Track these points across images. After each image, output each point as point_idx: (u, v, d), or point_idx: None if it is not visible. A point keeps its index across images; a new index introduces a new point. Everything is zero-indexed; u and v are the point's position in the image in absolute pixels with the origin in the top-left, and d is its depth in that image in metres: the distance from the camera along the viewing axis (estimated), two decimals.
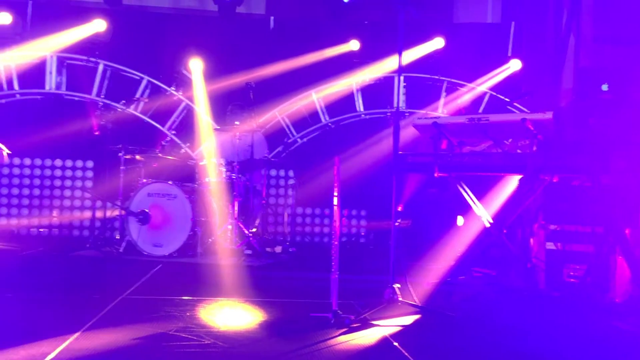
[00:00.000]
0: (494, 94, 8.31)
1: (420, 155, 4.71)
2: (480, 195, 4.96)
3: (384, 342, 3.22)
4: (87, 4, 8.38)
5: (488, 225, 4.75)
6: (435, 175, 4.56)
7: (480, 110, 8.12)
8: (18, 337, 2.94)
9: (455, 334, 3.52)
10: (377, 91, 8.53)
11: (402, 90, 8.48)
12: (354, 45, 8.53)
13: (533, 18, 8.48)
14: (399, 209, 7.74)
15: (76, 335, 3.03)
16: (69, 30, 7.91)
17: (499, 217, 4.89)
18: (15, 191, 7.95)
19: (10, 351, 2.71)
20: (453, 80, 8.41)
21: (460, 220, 6.22)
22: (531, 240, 4.98)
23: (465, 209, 5.13)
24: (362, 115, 8.52)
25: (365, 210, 8.65)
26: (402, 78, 8.41)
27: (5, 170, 7.91)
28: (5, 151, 5.17)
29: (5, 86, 7.73)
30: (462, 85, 8.42)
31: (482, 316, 3.97)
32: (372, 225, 8.59)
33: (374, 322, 3.54)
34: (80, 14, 8.04)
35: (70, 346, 2.85)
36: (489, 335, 3.49)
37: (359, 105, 8.48)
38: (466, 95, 8.41)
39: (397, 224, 7.60)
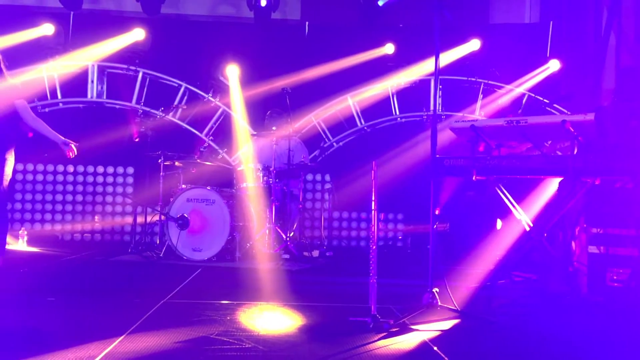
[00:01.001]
0: (533, 95, 8.20)
1: (458, 159, 4.67)
2: (520, 198, 4.90)
3: (424, 347, 3.21)
4: (127, 13, 8.57)
5: (528, 228, 4.68)
6: (473, 178, 4.52)
7: (519, 112, 8.01)
8: (65, 340, 3.03)
9: (496, 339, 3.49)
10: (413, 94, 8.50)
11: (438, 93, 8.44)
12: (388, 48, 8.53)
13: (572, 17, 8.33)
14: (437, 212, 7.71)
15: (121, 338, 3.09)
16: (110, 40, 8.11)
17: (539, 220, 4.81)
18: (59, 197, 8.17)
19: (58, 354, 2.79)
20: (490, 82, 8.33)
21: (499, 223, 6.14)
22: (573, 243, 4.88)
23: (505, 212, 5.07)
24: (398, 119, 8.50)
25: (402, 214, 8.62)
26: (438, 81, 8.37)
27: (50, 177, 8.14)
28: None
29: (49, 95, 7.96)
30: (499, 87, 8.32)
31: (522, 321, 3.92)
32: (409, 229, 8.55)
33: (413, 327, 3.53)
34: (120, 24, 8.24)
35: (115, 349, 2.91)
36: (530, 341, 3.44)
37: (395, 108, 8.46)
38: (504, 97, 8.31)
39: (434, 227, 7.56)
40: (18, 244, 6.90)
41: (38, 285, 4.86)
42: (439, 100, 8.44)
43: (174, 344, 3.09)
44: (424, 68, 8.34)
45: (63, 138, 5.34)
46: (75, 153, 5.47)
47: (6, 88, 5.19)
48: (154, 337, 3.16)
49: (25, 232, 7.05)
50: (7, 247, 5.48)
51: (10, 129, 5.20)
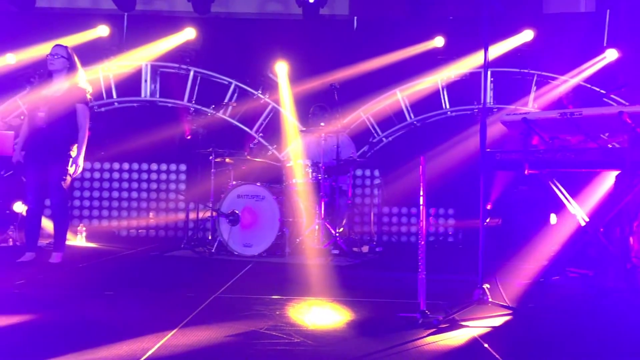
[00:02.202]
0: (589, 86, 7.94)
1: (510, 153, 4.58)
2: (575, 192, 4.77)
3: (474, 343, 3.16)
4: (178, 13, 8.74)
5: (583, 223, 4.56)
6: (526, 172, 4.42)
7: (567, 104, 7.79)
8: (120, 333, 3.12)
9: (549, 337, 3.40)
10: (463, 87, 8.37)
11: (489, 85, 8.28)
12: (438, 41, 8.42)
13: (630, 5, 8.02)
14: (488, 207, 7.59)
15: (173, 331, 3.17)
16: (162, 40, 8.30)
17: (595, 215, 4.68)
18: (115, 194, 8.42)
19: (113, 347, 2.88)
20: (544, 73, 8.12)
21: (553, 218, 5.99)
22: (631, 239, 4.72)
23: (559, 207, 4.94)
24: (448, 113, 8.39)
25: (453, 209, 8.51)
26: (489, 73, 8.22)
27: (106, 175, 8.39)
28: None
29: (104, 95, 8.21)
30: (553, 79, 8.11)
31: (578, 318, 3.82)
32: (460, 224, 8.44)
33: (463, 323, 3.48)
34: (172, 24, 8.42)
35: (168, 342, 2.98)
36: (586, 340, 3.35)
37: (445, 102, 8.35)
38: (558, 88, 8.09)
39: (486, 222, 7.43)
40: (77, 240, 7.14)
41: (96, 279, 5.03)
42: (490, 93, 8.28)
43: (224, 337, 3.14)
44: (474, 60, 8.20)
45: (80, 164, 5.42)
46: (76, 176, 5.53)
47: (73, 89, 5.37)
48: (205, 331, 3.23)
49: (84, 228, 7.29)
50: (67, 242, 5.70)
51: (73, 129, 5.38)
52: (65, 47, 5.43)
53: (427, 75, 8.26)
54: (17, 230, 6.63)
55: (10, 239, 6.57)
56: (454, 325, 3.44)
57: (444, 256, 7.17)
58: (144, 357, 2.73)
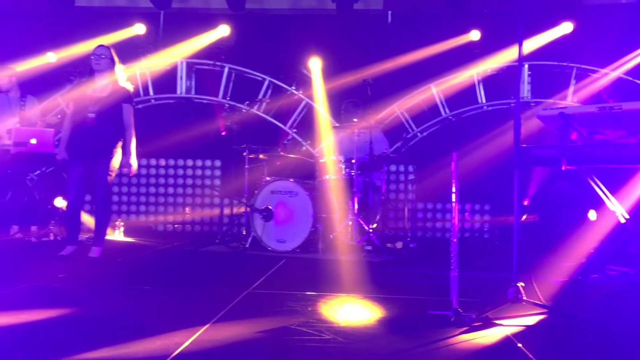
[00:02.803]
0: (630, 79, 7.72)
1: (546, 148, 4.48)
2: (614, 188, 4.64)
3: (507, 343, 3.12)
4: (213, 10, 8.81)
5: (623, 220, 4.44)
6: (563, 168, 4.33)
7: (605, 97, 7.59)
8: (154, 327, 3.17)
9: (586, 337, 3.33)
10: (500, 82, 8.24)
11: (526, 79, 8.13)
12: (474, 35, 8.30)
13: None
14: (525, 203, 7.47)
15: (206, 327, 3.21)
16: (197, 37, 8.39)
17: (635, 211, 4.55)
18: (152, 190, 8.56)
19: (147, 340, 2.93)
20: (583, 66, 7.93)
21: (592, 215, 5.85)
22: None
23: (598, 203, 4.83)
24: (484, 107, 8.27)
25: (489, 205, 8.40)
26: (526, 67, 8.07)
27: (143, 171, 8.53)
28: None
29: (142, 92, 8.34)
30: (593, 72, 7.91)
31: (617, 318, 3.72)
32: (496, 221, 8.32)
33: (497, 322, 3.43)
34: (207, 21, 8.50)
35: (200, 337, 3.02)
36: (625, 340, 3.27)
37: (481, 96, 8.24)
38: (599, 81, 7.89)
39: (522, 219, 7.29)
40: (115, 235, 7.28)
41: (133, 273, 5.12)
42: (527, 87, 8.14)
43: (255, 333, 3.16)
44: (511, 54, 8.05)
45: (134, 163, 5.57)
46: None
47: (119, 89, 5.49)
48: (237, 326, 3.26)
49: (122, 223, 7.43)
50: (105, 237, 5.82)
51: (119, 127, 5.50)
52: (108, 48, 5.55)
53: (462, 69, 8.16)
54: (57, 225, 6.80)
55: (52, 234, 6.74)
56: (487, 324, 3.39)
57: (478, 253, 7.09)
58: (177, 351, 2.77)
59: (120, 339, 2.93)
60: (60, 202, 6.89)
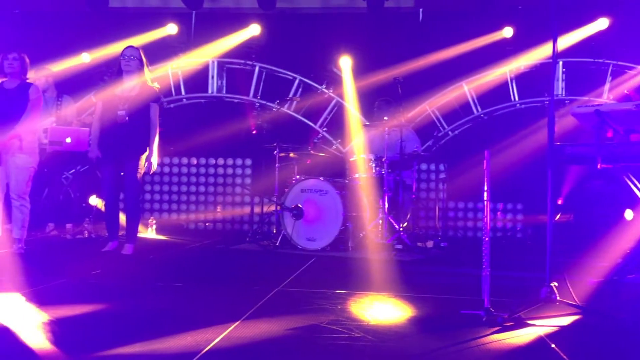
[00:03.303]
0: None
1: (581, 146, 4.39)
2: None
3: (540, 343, 3.07)
4: (244, 10, 8.86)
5: None
6: (598, 166, 4.24)
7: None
8: (186, 324, 3.20)
9: (621, 338, 3.26)
10: (533, 79, 8.12)
11: (561, 76, 8.00)
12: (507, 32, 8.19)
13: None
14: (559, 202, 7.34)
15: (236, 324, 3.23)
16: (228, 37, 8.45)
17: None
18: (183, 189, 8.65)
19: (179, 336, 2.96)
20: (620, 63, 7.76)
21: (629, 214, 5.73)
22: None
23: (635, 202, 4.72)
24: (517, 105, 8.16)
25: (521, 204, 8.28)
26: (560, 64, 7.94)
27: (175, 170, 8.63)
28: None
29: (173, 92, 8.44)
30: (630, 68, 7.74)
31: None
32: (529, 220, 8.20)
33: (529, 322, 3.38)
34: (238, 20, 8.55)
35: (230, 334, 3.04)
36: None
37: (514, 94, 8.12)
38: (635, 78, 7.71)
39: (556, 218, 7.18)
40: (147, 232, 7.39)
41: (165, 271, 5.19)
42: (561, 85, 8.00)
43: (285, 330, 3.17)
44: (545, 51, 7.93)
45: (154, 162, 5.61)
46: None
47: (147, 89, 5.58)
48: (267, 324, 3.27)
49: (154, 221, 7.53)
50: (138, 235, 5.91)
51: (148, 126, 5.59)
52: (138, 49, 5.64)
53: (495, 66, 8.06)
54: (92, 222, 6.92)
55: (86, 231, 6.87)
56: (519, 324, 3.34)
57: (511, 253, 6.99)
58: (208, 347, 2.79)
59: (152, 334, 2.97)
60: (94, 200, 7.02)
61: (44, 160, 6.71)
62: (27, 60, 5.50)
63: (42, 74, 7.09)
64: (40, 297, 3.80)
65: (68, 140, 6.57)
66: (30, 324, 3.16)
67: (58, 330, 3.11)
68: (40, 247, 5.99)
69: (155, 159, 5.62)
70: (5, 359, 2.62)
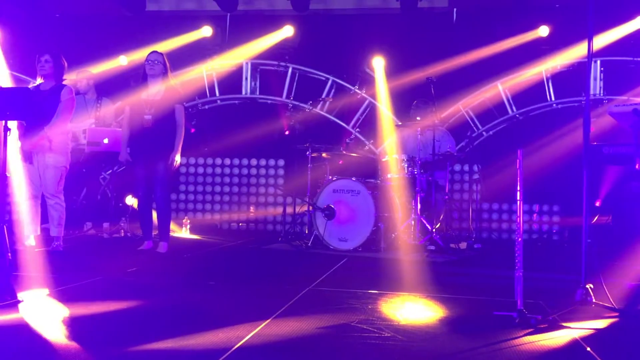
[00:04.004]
0: None
1: (619, 146, 4.31)
2: None
3: (575, 346, 3.01)
4: (278, 12, 8.91)
5: None
6: (637, 167, 4.14)
7: None
8: (218, 321, 3.24)
9: None
10: (570, 78, 7.96)
11: (598, 75, 7.84)
12: (542, 31, 8.05)
13: None
14: (597, 204, 7.18)
15: (267, 322, 3.25)
16: (262, 38, 8.51)
17: None
18: (217, 189, 8.73)
19: (210, 333, 3.00)
20: None
21: None
22: None
23: None
24: (554, 105, 8.02)
25: (558, 206, 8.12)
26: (598, 63, 7.78)
27: (209, 170, 8.73)
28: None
29: (208, 93, 8.54)
30: None
31: None
32: (566, 222, 8.04)
33: (564, 324, 3.32)
34: (272, 22, 8.60)
35: (262, 331, 3.07)
36: None
37: (550, 94, 7.99)
38: None
39: (594, 220, 7.03)
40: (182, 232, 7.49)
41: (199, 270, 5.26)
42: (599, 84, 7.84)
43: (315, 329, 3.19)
44: (582, 50, 7.75)
45: (177, 159, 5.72)
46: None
47: (171, 92, 5.68)
48: (298, 322, 3.29)
49: (188, 221, 7.63)
50: (172, 234, 6.00)
51: (174, 127, 5.68)
52: (161, 54, 5.76)
53: (530, 66, 7.93)
54: (128, 222, 7.05)
55: (122, 230, 7.00)
56: (553, 326, 3.29)
57: (546, 255, 6.88)
58: (238, 344, 2.82)
59: (184, 330, 3.01)
60: (130, 200, 7.14)
61: (82, 161, 6.88)
62: (64, 62, 5.62)
63: (83, 76, 7.27)
64: (77, 293, 3.89)
65: (106, 141, 6.70)
66: (67, 319, 3.24)
67: (93, 325, 3.18)
68: (77, 246, 6.13)
69: (178, 157, 5.72)
70: (43, 353, 2.70)
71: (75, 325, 3.13)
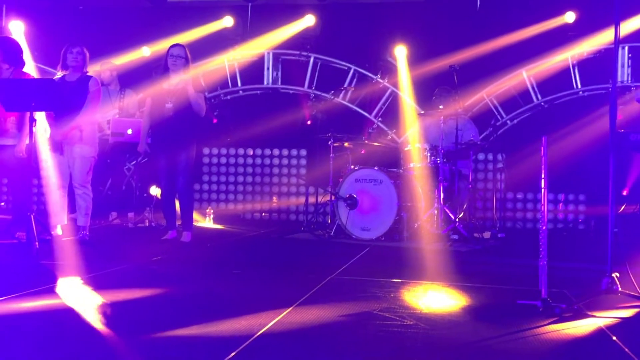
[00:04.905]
0: None
1: None
2: None
3: (600, 335, 2.98)
4: (299, 1, 8.88)
5: None
6: None
7: None
8: (241, 308, 3.27)
9: None
10: (597, 65, 7.81)
11: (626, 62, 7.68)
12: (569, 17, 7.90)
13: None
14: (624, 193, 7.06)
15: (289, 309, 3.27)
16: (283, 28, 8.50)
17: None
18: (240, 179, 8.77)
19: (233, 320, 3.03)
20: None
21: None
22: None
23: None
24: (580, 93, 7.89)
25: (584, 195, 8.01)
26: (626, 49, 7.62)
27: (232, 160, 8.77)
28: None
29: (230, 83, 8.56)
30: None
31: None
32: (592, 211, 7.93)
33: (589, 313, 3.28)
34: (293, 12, 8.58)
35: (284, 319, 3.09)
36: None
37: (576, 81, 7.86)
38: None
39: (621, 209, 6.92)
40: (205, 222, 7.54)
41: (222, 258, 5.29)
42: (627, 70, 7.68)
43: (337, 316, 3.19)
44: (609, 36, 7.61)
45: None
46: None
47: (192, 81, 5.70)
48: (320, 310, 3.30)
49: (212, 211, 7.68)
50: (196, 224, 6.05)
51: (193, 116, 5.71)
52: (184, 47, 5.78)
53: (555, 53, 7.80)
54: (152, 211, 7.12)
55: (147, 220, 7.07)
56: (578, 315, 3.25)
57: (572, 244, 6.80)
58: (261, 331, 2.84)
59: (208, 317, 3.05)
60: (154, 190, 7.21)
61: (107, 151, 6.96)
62: (88, 54, 5.69)
63: (106, 68, 7.34)
64: (103, 281, 3.95)
65: (129, 131, 6.77)
66: (93, 306, 3.29)
67: (119, 312, 3.23)
68: (103, 235, 6.22)
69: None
70: (71, 339, 2.74)
71: (102, 312, 3.18)
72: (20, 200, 5.63)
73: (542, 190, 3.49)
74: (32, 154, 4.74)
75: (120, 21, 8.78)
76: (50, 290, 3.59)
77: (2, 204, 8.31)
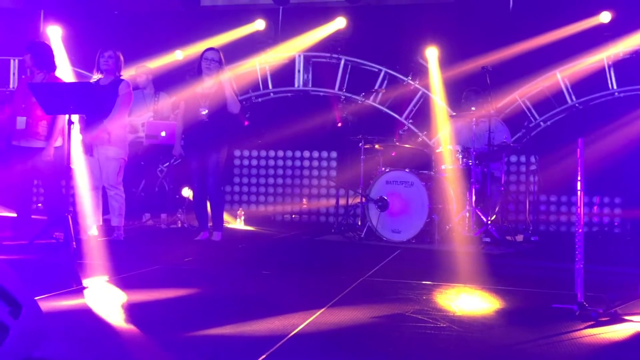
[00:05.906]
0: None
1: None
2: None
3: (638, 339, 2.92)
4: (330, 3, 8.91)
5: None
6: None
7: None
8: (274, 309, 3.29)
9: None
10: (633, 66, 7.66)
11: None
12: (604, 17, 7.75)
13: None
14: None
15: (321, 310, 3.28)
16: (314, 30, 8.53)
17: None
18: (271, 181, 8.82)
19: (267, 320, 3.05)
20: None
21: None
22: None
23: None
24: (616, 94, 7.74)
25: (620, 198, 7.86)
26: None
27: (263, 162, 8.83)
28: None
29: (261, 86, 8.62)
30: None
31: None
32: (628, 214, 7.77)
33: (627, 317, 3.22)
34: (324, 14, 8.60)
35: (316, 320, 3.10)
36: None
37: (612, 82, 7.71)
38: None
39: None
40: (236, 223, 7.61)
41: (253, 259, 5.34)
42: None
43: (369, 318, 3.19)
44: None
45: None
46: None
47: (228, 81, 5.78)
48: (352, 311, 3.30)
49: (243, 213, 7.74)
50: (227, 225, 6.12)
51: (227, 118, 5.78)
52: (218, 51, 5.85)
53: (590, 54, 7.66)
54: (184, 213, 7.21)
55: (179, 221, 7.16)
56: (615, 319, 3.20)
57: (608, 247, 6.67)
58: (294, 332, 2.85)
59: (241, 317, 3.08)
60: (187, 192, 7.30)
61: (141, 153, 7.07)
62: (122, 58, 5.80)
63: (142, 71, 7.47)
64: (137, 281, 4.02)
65: (163, 134, 6.86)
66: (129, 305, 3.35)
67: (153, 311, 3.28)
68: (137, 236, 6.31)
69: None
70: (107, 337, 2.80)
71: (137, 311, 3.23)
72: (55, 201, 5.77)
73: (579, 192, 3.43)
74: (68, 156, 4.83)
75: (155, 25, 8.92)
76: (86, 289, 3.66)
77: (40, 205, 8.49)
